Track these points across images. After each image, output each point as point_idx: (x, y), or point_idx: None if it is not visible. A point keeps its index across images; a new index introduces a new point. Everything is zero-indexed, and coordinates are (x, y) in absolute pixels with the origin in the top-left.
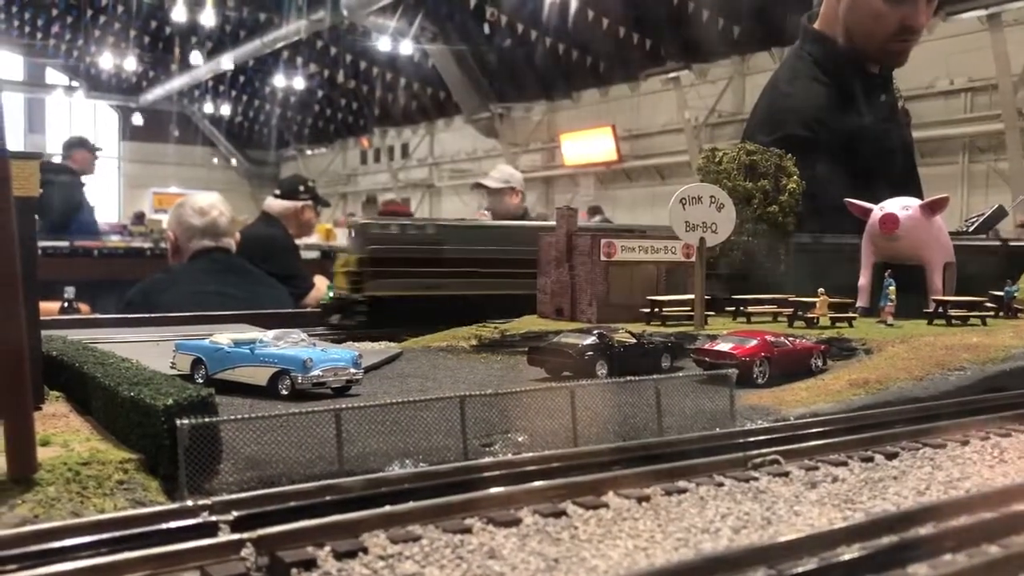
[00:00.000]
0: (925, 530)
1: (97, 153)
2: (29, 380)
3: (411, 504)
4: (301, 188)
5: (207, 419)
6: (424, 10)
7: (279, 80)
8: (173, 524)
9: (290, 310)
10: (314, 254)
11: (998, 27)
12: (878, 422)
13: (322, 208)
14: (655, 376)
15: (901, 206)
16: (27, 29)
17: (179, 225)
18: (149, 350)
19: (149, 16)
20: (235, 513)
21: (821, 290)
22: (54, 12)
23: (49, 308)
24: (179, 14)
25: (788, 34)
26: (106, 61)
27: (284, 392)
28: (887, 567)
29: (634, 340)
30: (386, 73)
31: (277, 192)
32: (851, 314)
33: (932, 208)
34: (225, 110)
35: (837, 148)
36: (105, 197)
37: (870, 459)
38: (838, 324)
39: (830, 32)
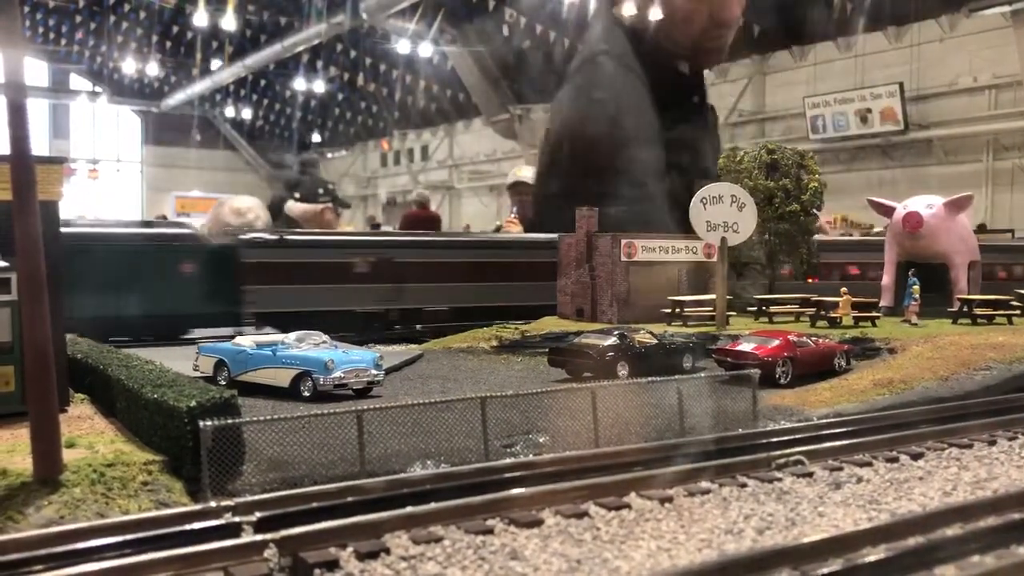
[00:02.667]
0: (952, 531)
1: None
2: (55, 383)
3: (433, 505)
4: (321, 191)
5: (230, 420)
6: (443, 12)
7: (299, 83)
8: (197, 525)
9: None
10: None
11: (1022, 23)
12: (903, 422)
13: (342, 210)
14: (677, 377)
15: (925, 204)
16: (51, 35)
17: (216, 224)
18: (173, 352)
19: (171, 21)
20: (258, 514)
21: (844, 289)
22: (77, 18)
23: None
24: (200, 19)
25: (808, 33)
26: (129, 66)
27: (306, 393)
28: (913, 569)
29: (655, 340)
30: (405, 76)
31: (297, 195)
32: (874, 313)
33: (956, 206)
34: (246, 114)
35: (645, 146)
36: (128, 201)
37: (895, 459)
38: (861, 323)
39: (641, 25)
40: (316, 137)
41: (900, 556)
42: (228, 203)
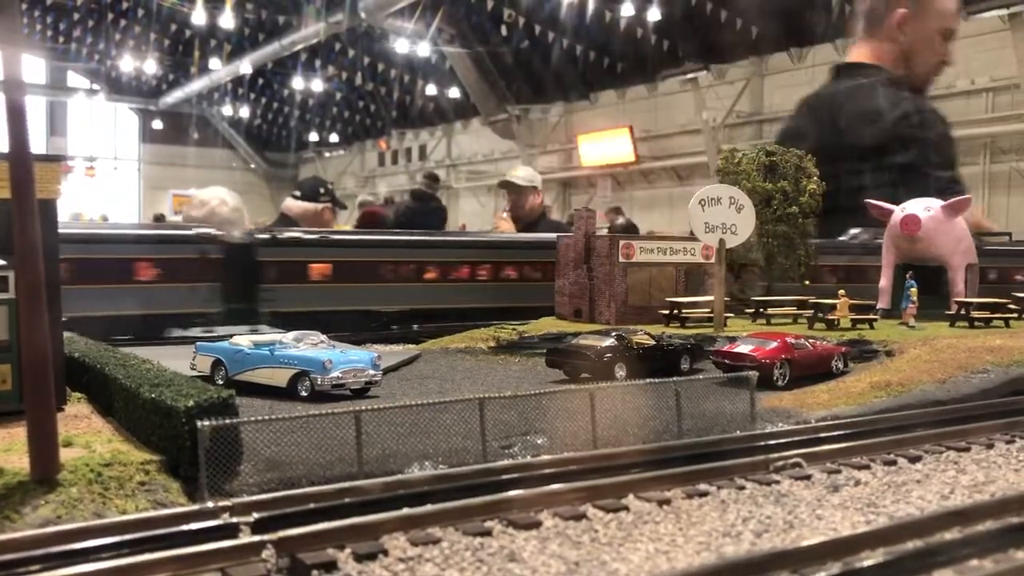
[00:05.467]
0: (950, 535)
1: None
2: (52, 384)
3: (431, 506)
4: (321, 190)
5: (227, 420)
6: (442, 12)
7: (298, 82)
8: (194, 525)
9: None
10: None
11: (1020, 26)
12: (900, 425)
13: (340, 210)
14: (675, 378)
15: (923, 207)
16: (49, 33)
17: (184, 219)
18: (171, 351)
19: (169, 19)
20: (256, 515)
21: (842, 291)
22: (76, 16)
23: None
24: (199, 17)
25: (806, 35)
26: (127, 64)
27: (304, 393)
28: (912, 572)
29: (653, 342)
30: (404, 75)
31: (297, 194)
32: (872, 316)
33: (954, 209)
34: (244, 112)
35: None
36: (124, 199)
37: (893, 462)
38: (859, 326)
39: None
40: (314, 136)
41: (899, 559)
42: (194, 197)
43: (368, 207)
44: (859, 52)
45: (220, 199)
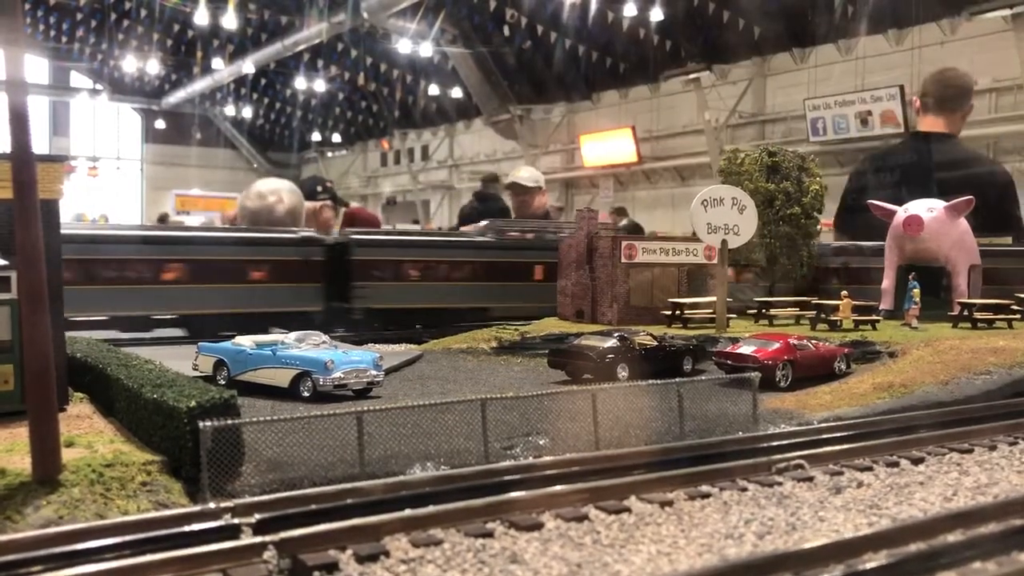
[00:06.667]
0: (953, 537)
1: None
2: (54, 384)
3: (433, 508)
4: (319, 188)
5: (229, 421)
6: (444, 12)
7: (300, 82)
8: (196, 526)
9: None
10: None
11: (1023, 27)
12: (903, 426)
13: (341, 208)
14: (677, 379)
15: (926, 208)
16: (52, 33)
17: (239, 207)
18: (173, 352)
19: (172, 20)
20: (257, 516)
21: (844, 292)
22: (79, 16)
23: None
24: (201, 18)
25: (810, 35)
26: (129, 64)
27: (306, 394)
28: (915, 575)
29: (655, 342)
30: (406, 75)
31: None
32: (875, 317)
33: (957, 210)
34: (247, 112)
35: None
36: (127, 199)
37: (895, 464)
38: (861, 327)
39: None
40: (316, 135)
41: (901, 562)
42: (255, 185)
43: (352, 208)
44: (932, 123)
45: (278, 197)
